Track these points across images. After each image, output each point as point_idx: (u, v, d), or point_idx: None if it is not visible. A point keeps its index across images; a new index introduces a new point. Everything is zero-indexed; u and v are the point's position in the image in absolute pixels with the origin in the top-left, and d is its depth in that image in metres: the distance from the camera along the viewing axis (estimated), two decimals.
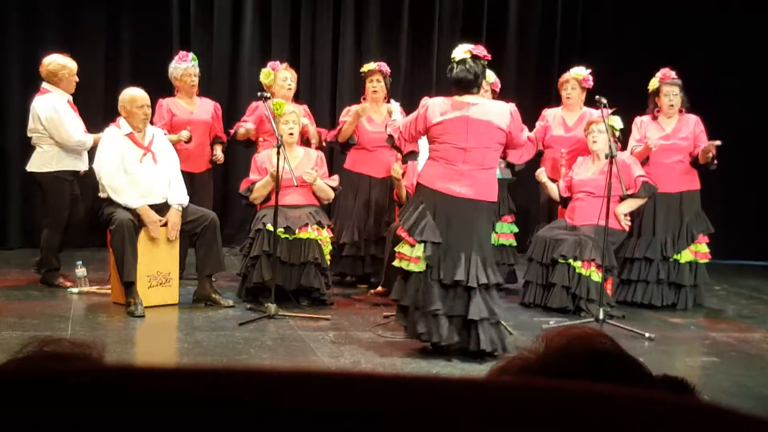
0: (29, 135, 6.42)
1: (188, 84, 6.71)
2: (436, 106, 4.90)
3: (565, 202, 6.60)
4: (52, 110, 6.26)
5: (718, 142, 6.40)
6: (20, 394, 0.64)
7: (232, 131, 6.89)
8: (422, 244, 4.81)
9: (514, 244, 6.85)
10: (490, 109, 4.91)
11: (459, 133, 4.82)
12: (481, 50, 4.93)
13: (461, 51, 4.91)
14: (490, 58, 5.01)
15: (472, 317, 4.81)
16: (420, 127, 4.93)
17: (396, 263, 4.99)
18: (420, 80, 8.81)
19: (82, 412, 0.63)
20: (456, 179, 4.82)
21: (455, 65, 4.89)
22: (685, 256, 6.58)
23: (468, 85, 4.87)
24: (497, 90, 6.51)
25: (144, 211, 5.84)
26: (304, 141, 6.73)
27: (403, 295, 4.92)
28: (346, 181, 6.77)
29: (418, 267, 4.84)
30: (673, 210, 6.62)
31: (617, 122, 6.37)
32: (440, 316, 4.83)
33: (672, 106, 6.60)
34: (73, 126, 6.28)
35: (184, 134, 6.52)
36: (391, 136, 5.15)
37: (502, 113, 4.89)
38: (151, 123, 6.15)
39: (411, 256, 4.83)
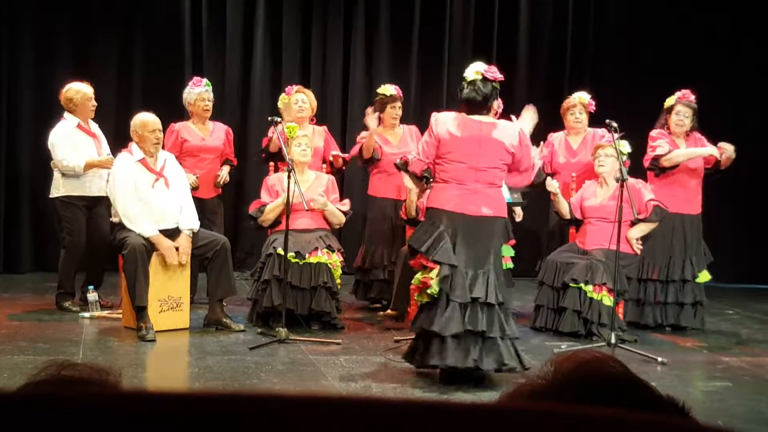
0: None
1: (201, 109, 6.77)
2: (448, 120, 4.86)
3: (572, 222, 6.57)
4: (55, 136, 6.37)
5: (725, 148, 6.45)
6: (35, 418, 0.65)
7: (261, 155, 6.87)
8: (438, 266, 4.73)
9: (511, 266, 6.80)
10: (503, 130, 4.89)
11: (472, 153, 4.79)
12: (493, 72, 4.88)
13: (472, 71, 4.87)
14: (502, 79, 4.94)
15: (492, 334, 4.77)
16: (434, 143, 4.83)
17: (418, 297, 4.86)
18: (430, 104, 8.81)
19: None
20: (471, 198, 4.80)
21: (465, 85, 4.87)
22: (703, 276, 6.57)
23: (477, 106, 4.85)
24: (499, 112, 6.48)
25: (157, 239, 5.87)
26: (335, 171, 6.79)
27: (430, 323, 4.76)
28: (372, 207, 6.84)
29: (433, 290, 4.74)
30: (678, 232, 6.58)
31: (626, 146, 6.37)
32: (459, 339, 4.74)
33: (681, 126, 6.59)
34: (65, 151, 6.31)
35: (191, 179, 6.51)
36: (404, 161, 5.02)
37: (513, 135, 4.89)
38: (163, 147, 6.19)
39: (432, 278, 4.74)
